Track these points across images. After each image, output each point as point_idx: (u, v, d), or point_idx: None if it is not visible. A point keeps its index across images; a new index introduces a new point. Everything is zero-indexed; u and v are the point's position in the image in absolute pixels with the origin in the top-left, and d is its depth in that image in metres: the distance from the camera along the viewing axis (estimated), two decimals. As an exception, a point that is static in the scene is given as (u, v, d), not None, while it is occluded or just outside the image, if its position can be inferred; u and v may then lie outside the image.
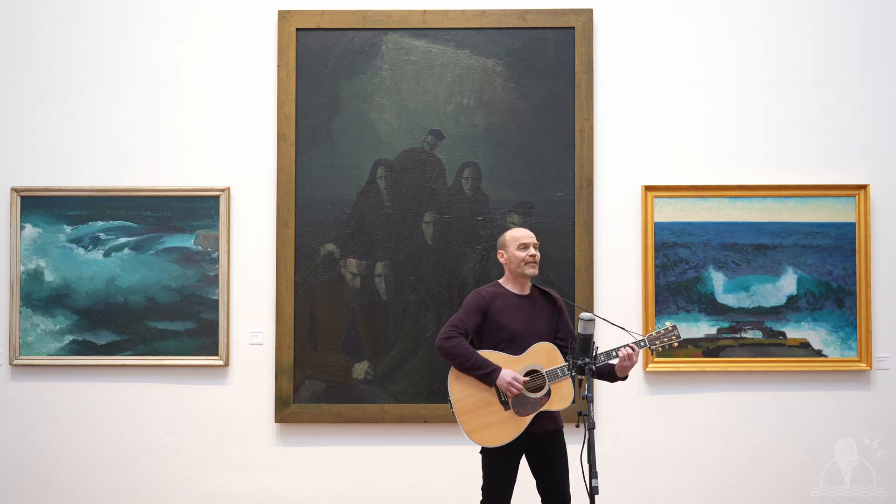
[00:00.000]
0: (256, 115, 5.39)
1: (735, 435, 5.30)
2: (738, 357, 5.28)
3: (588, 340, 3.91)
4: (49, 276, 5.34)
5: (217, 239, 5.34)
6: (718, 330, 5.30)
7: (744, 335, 5.29)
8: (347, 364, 5.31)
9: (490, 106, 5.37)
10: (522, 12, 5.35)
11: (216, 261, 5.33)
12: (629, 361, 4.14)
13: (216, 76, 5.41)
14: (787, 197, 5.30)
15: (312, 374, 5.31)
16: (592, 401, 3.82)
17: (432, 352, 5.27)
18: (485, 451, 4.21)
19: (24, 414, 5.35)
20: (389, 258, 5.34)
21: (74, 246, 5.35)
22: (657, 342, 4.23)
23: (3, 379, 5.35)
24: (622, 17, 5.40)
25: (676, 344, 4.24)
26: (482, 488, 4.25)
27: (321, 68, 5.38)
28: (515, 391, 4.10)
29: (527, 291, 4.32)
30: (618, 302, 5.29)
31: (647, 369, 5.27)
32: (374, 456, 5.32)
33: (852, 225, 5.29)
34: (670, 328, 4.24)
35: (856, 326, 5.27)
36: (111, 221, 5.36)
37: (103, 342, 5.33)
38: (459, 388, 4.18)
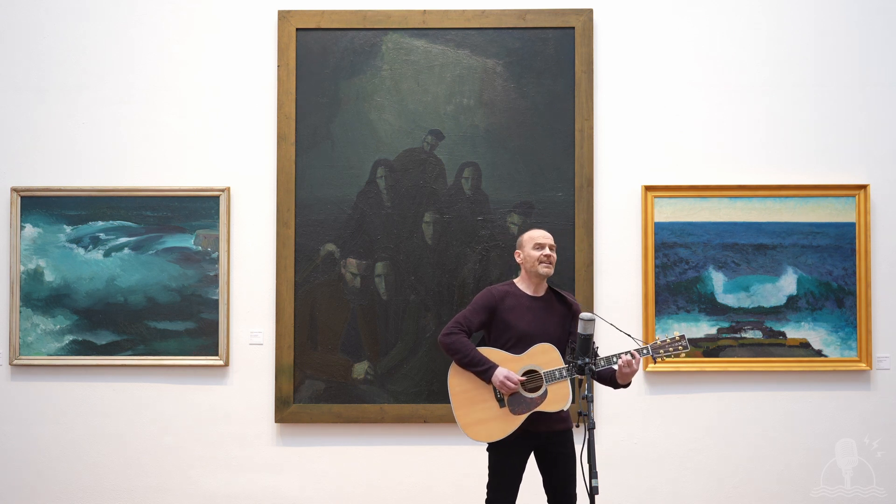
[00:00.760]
0: (256, 115, 5.39)
1: (735, 435, 5.30)
2: (738, 357, 5.28)
3: (588, 340, 3.91)
4: (49, 276, 5.34)
5: (217, 239, 5.34)
6: (718, 330, 5.30)
7: (744, 335, 5.29)
8: (347, 364, 5.32)
9: (490, 106, 5.37)
10: (522, 12, 5.35)
11: (216, 261, 5.33)
12: (629, 369, 4.07)
13: (216, 76, 5.42)
14: (787, 197, 5.30)
15: (312, 374, 5.31)
16: (592, 401, 3.82)
17: (432, 352, 5.27)
18: (491, 449, 4.23)
19: (24, 414, 5.35)
20: (389, 258, 5.34)
21: (74, 246, 5.35)
22: (661, 351, 4.12)
23: (3, 379, 5.35)
24: (622, 17, 5.40)
25: (683, 355, 4.14)
26: (487, 485, 4.27)
27: (321, 68, 5.38)
28: (508, 390, 4.12)
29: (541, 293, 4.31)
30: (618, 302, 5.29)
31: (648, 369, 5.27)
32: (374, 456, 5.32)
33: (852, 225, 5.29)
34: (678, 338, 4.12)
35: (856, 326, 5.27)
36: (111, 221, 5.36)
37: (103, 342, 5.33)
38: (458, 382, 4.23)
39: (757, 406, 5.30)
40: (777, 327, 5.29)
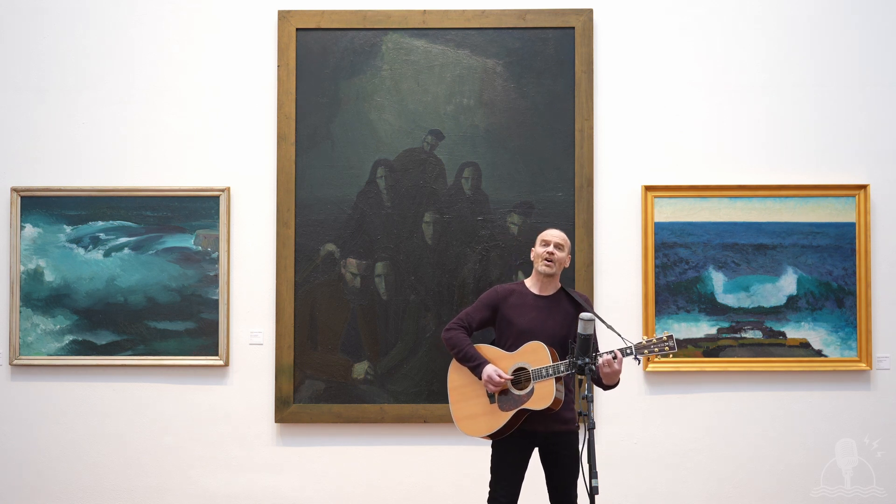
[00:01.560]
0: (256, 115, 5.39)
1: (735, 435, 5.30)
2: (738, 357, 5.28)
3: (587, 340, 3.91)
4: (49, 276, 5.34)
5: (217, 239, 5.34)
6: (718, 330, 5.30)
7: (744, 335, 5.29)
8: (347, 364, 5.32)
9: (490, 106, 5.37)
10: (522, 12, 5.35)
11: (216, 261, 5.34)
12: (608, 369, 4.01)
13: (216, 76, 5.42)
14: (787, 197, 5.30)
15: (312, 374, 5.31)
16: (592, 401, 3.82)
17: (432, 352, 5.27)
18: (493, 446, 4.27)
19: (24, 414, 5.35)
20: (389, 258, 5.34)
21: (74, 246, 5.35)
22: (645, 351, 4.05)
23: (3, 379, 5.35)
24: (622, 17, 5.40)
25: (671, 355, 4.07)
26: (490, 482, 4.29)
27: (321, 68, 5.38)
28: (493, 386, 4.15)
29: (548, 292, 4.30)
30: (618, 302, 5.29)
31: (648, 369, 5.27)
32: (374, 456, 5.32)
33: (852, 225, 5.29)
34: (665, 338, 4.04)
35: (856, 326, 5.27)
36: (111, 221, 5.36)
37: (103, 342, 5.33)
38: (456, 376, 4.31)
39: (757, 406, 5.30)
40: (777, 327, 5.29)
